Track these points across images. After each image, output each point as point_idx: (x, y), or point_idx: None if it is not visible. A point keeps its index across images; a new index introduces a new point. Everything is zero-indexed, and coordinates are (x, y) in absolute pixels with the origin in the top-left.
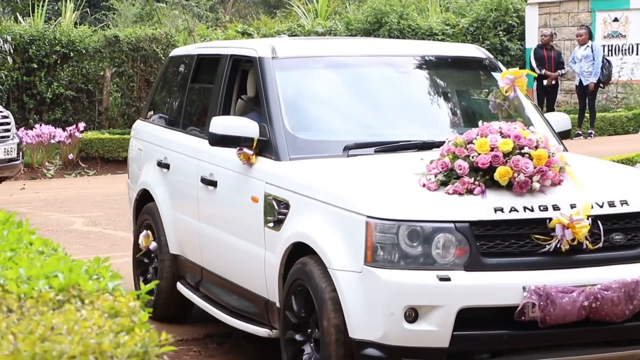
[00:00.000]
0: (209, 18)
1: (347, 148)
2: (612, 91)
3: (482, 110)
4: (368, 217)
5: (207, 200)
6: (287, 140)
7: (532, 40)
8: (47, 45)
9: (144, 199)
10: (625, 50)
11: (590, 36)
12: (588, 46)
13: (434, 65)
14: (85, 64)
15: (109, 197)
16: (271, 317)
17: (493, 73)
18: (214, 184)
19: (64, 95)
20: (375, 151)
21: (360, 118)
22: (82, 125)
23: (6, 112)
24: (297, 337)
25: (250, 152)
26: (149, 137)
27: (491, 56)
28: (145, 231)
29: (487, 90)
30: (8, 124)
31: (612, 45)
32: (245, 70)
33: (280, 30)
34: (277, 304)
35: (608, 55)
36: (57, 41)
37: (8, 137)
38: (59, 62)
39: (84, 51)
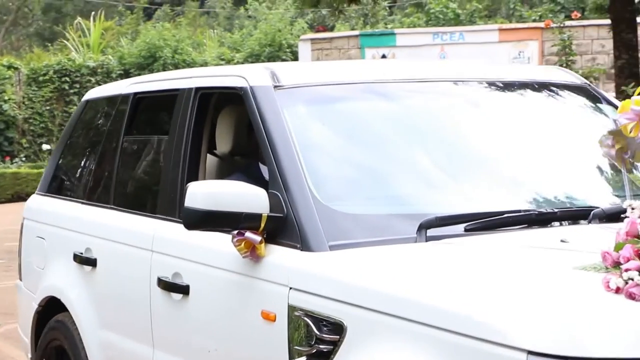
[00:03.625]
0: None
1: (424, 226)
2: None
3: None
4: (530, 353)
5: (170, 315)
6: (320, 217)
7: None
8: None
9: (51, 310)
10: None
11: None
12: None
13: (515, 94)
14: None
15: None
16: None
17: (599, 105)
18: (182, 290)
19: None
20: (466, 229)
21: (428, 175)
22: None
23: None
24: None
25: (258, 239)
26: (57, 219)
27: (587, 81)
28: None
29: (593, 130)
30: None
31: None
32: (221, 109)
33: (49, 64)
34: None
35: None
36: None
37: None
38: None
39: None
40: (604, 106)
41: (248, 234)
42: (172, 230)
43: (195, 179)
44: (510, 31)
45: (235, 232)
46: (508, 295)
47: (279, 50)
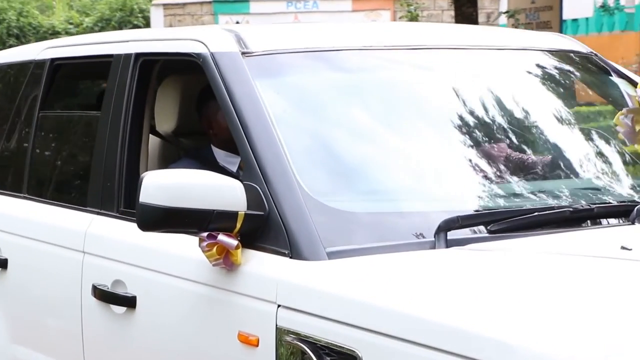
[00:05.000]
0: None
1: (443, 228)
2: None
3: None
4: None
5: (110, 332)
6: (313, 216)
7: None
8: None
9: None
10: None
11: None
12: None
13: (521, 63)
14: None
15: None
16: None
17: (610, 77)
18: (127, 301)
19: None
20: (490, 231)
21: (439, 162)
22: None
23: None
24: None
25: (234, 243)
26: None
27: (593, 51)
28: None
29: (605, 106)
30: None
31: None
32: (162, 79)
33: None
34: None
35: None
36: None
37: None
38: None
39: None
40: (614, 79)
41: (221, 237)
42: (111, 228)
43: (137, 164)
44: (364, 0)
45: (205, 234)
46: (566, 327)
47: (130, 15)
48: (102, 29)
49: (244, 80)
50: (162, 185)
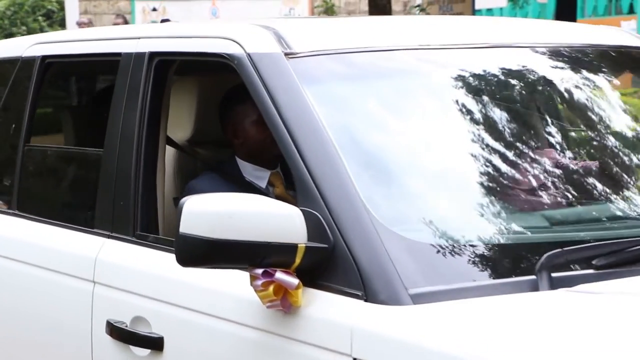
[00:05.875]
0: None
1: (547, 265)
2: None
3: None
4: None
5: None
6: (390, 251)
7: (72, 26)
8: None
9: None
10: None
11: (127, 24)
12: None
13: (592, 65)
14: None
15: None
16: None
17: None
18: (151, 343)
19: None
20: (596, 266)
21: (527, 182)
22: None
23: None
24: None
25: (294, 282)
26: None
27: None
28: None
29: None
30: None
31: None
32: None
33: None
34: None
35: None
36: None
37: None
38: None
39: None
40: None
41: (279, 275)
42: (127, 255)
43: (154, 180)
44: None
45: (260, 271)
46: None
47: (43, 0)
48: (14, 14)
49: (290, 86)
50: (207, 213)
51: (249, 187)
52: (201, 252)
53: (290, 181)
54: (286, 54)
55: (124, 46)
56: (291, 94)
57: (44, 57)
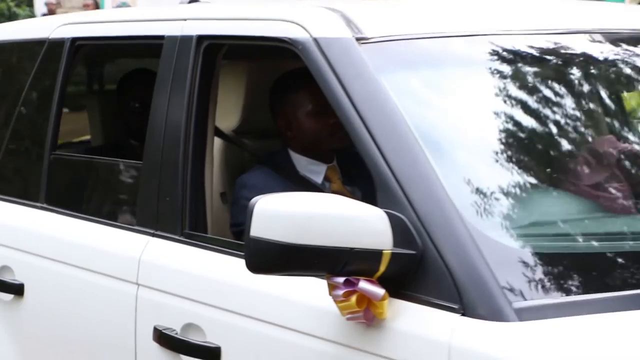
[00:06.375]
0: None
1: None
2: None
3: None
4: None
5: None
6: (489, 258)
7: (41, 7)
8: None
9: None
10: None
11: (97, 6)
12: None
13: None
14: None
15: None
16: None
17: None
18: (207, 353)
19: None
20: None
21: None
22: None
23: None
24: None
25: (380, 292)
26: None
27: None
28: None
29: None
30: None
31: None
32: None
33: None
34: None
35: None
36: None
37: None
38: None
39: None
40: None
41: (364, 284)
42: (176, 255)
43: (202, 170)
44: None
45: (341, 279)
46: None
47: None
48: None
49: (365, 75)
50: (282, 215)
51: (304, 183)
52: (275, 258)
53: (347, 176)
54: (357, 39)
55: (168, 28)
56: (366, 83)
57: (74, 39)
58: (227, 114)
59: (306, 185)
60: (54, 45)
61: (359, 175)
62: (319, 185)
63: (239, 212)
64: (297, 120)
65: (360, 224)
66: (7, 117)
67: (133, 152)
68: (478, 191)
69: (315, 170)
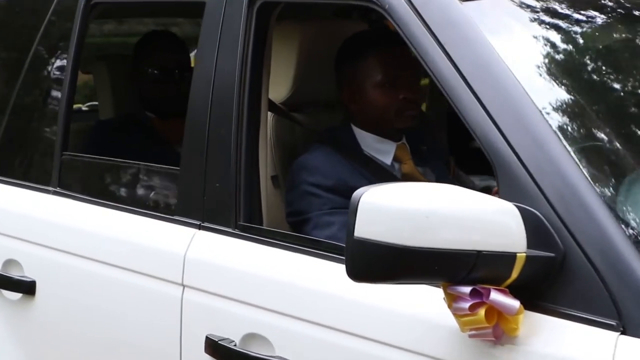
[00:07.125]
0: None
1: None
2: None
3: None
4: None
5: None
6: None
7: None
8: None
9: None
10: None
11: None
12: None
13: None
14: None
15: None
16: None
17: None
18: None
19: None
20: None
21: None
22: None
23: None
24: None
25: (515, 305)
26: None
27: None
28: None
29: None
30: None
31: None
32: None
33: None
34: None
35: None
36: None
37: None
38: None
39: None
40: None
41: (495, 295)
42: (232, 252)
43: (257, 151)
44: None
45: (467, 289)
46: None
47: None
48: None
49: (473, 38)
50: (394, 212)
51: (371, 164)
52: (384, 264)
53: (415, 155)
54: None
55: None
56: (475, 49)
57: None
58: (276, 85)
59: (373, 167)
60: (68, 4)
61: (429, 154)
62: (387, 167)
63: (299, 199)
64: (362, 91)
65: (489, 222)
66: (13, 80)
67: (149, 126)
68: (626, 184)
69: (383, 150)
